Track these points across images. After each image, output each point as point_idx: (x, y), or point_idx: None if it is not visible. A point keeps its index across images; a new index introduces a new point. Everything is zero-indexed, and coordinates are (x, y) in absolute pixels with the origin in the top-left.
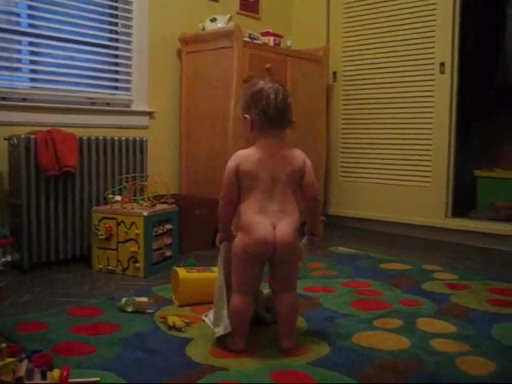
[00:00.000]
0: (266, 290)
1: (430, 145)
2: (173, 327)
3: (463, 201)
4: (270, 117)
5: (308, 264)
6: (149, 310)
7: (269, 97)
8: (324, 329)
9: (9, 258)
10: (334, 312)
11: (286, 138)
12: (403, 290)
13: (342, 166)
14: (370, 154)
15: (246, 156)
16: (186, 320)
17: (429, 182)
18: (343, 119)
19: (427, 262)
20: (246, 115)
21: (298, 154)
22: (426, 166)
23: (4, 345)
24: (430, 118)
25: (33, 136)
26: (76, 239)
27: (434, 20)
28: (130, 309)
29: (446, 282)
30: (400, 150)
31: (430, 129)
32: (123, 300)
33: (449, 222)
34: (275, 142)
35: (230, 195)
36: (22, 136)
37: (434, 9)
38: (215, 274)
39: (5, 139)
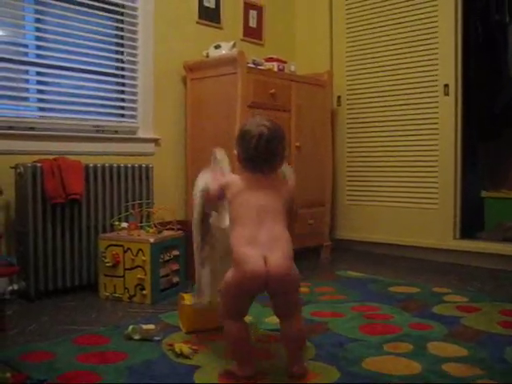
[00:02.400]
0: None
1: (437, 166)
2: (180, 354)
3: (471, 222)
4: (250, 157)
5: (316, 288)
6: (156, 338)
7: (251, 139)
8: (333, 354)
9: (15, 287)
10: (343, 337)
11: (275, 175)
12: (413, 314)
13: (348, 190)
14: (376, 177)
15: (233, 179)
16: (194, 347)
17: (436, 203)
18: (348, 143)
19: (436, 285)
20: (235, 150)
21: (286, 182)
22: (433, 187)
23: (9, 374)
24: (436, 139)
25: (39, 164)
26: (83, 267)
27: (437, 42)
28: (137, 336)
29: (457, 305)
30: (406, 172)
31: (436, 150)
32: (130, 327)
33: (457, 243)
34: (259, 177)
35: (212, 191)
36: (29, 164)
37: (437, 31)
38: None
39: (11, 168)
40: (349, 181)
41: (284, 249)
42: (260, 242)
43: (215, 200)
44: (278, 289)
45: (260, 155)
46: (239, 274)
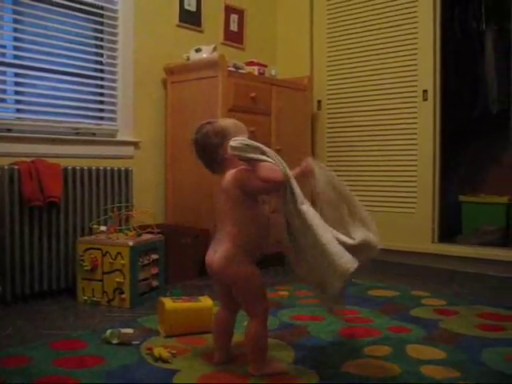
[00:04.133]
0: None
1: (415, 171)
2: (159, 359)
3: (449, 226)
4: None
5: (295, 292)
6: (134, 342)
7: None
8: (313, 357)
9: None
10: (323, 340)
11: (227, 167)
12: (392, 317)
13: None
14: (355, 180)
15: None
16: (173, 351)
17: (414, 207)
18: (328, 147)
19: (415, 288)
20: None
21: (228, 176)
22: (412, 191)
23: None
24: (415, 144)
25: (16, 167)
26: (60, 270)
27: (416, 48)
28: (115, 341)
29: (435, 308)
30: (385, 176)
31: (415, 155)
32: (108, 332)
33: (435, 247)
34: (217, 174)
35: None
36: (6, 167)
37: (416, 38)
38: (202, 303)
39: None
40: None
41: (222, 248)
42: (216, 240)
43: None
44: (218, 280)
45: (198, 151)
46: None
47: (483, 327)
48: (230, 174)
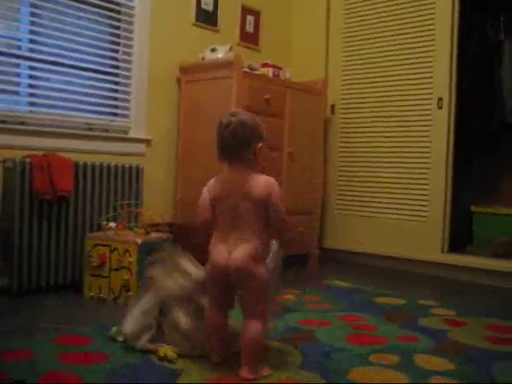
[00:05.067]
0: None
1: (427, 179)
2: (164, 358)
3: (460, 236)
4: (219, 145)
5: (303, 297)
6: None
7: (220, 129)
8: (319, 363)
9: None
10: (330, 346)
11: (249, 167)
12: (399, 325)
13: (338, 199)
14: (366, 187)
15: (213, 183)
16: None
17: (425, 216)
18: (340, 152)
19: (423, 297)
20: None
21: (262, 182)
22: (423, 200)
23: None
24: (428, 152)
25: (28, 159)
26: (68, 265)
27: (433, 56)
28: (120, 338)
29: (443, 318)
30: (397, 184)
31: (428, 163)
32: (114, 329)
33: (445, 257)
34: (233, 170)
35: (203, 215)
36: (17, 159)
37: (433, 45)
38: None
39: None
40: (339, 190)
41: (246, 248)
42: (230, 240)
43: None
44: (236, 281)
45: (228, 145)
46: (209, 265)
47: (492, 340)
48: (265, 179)
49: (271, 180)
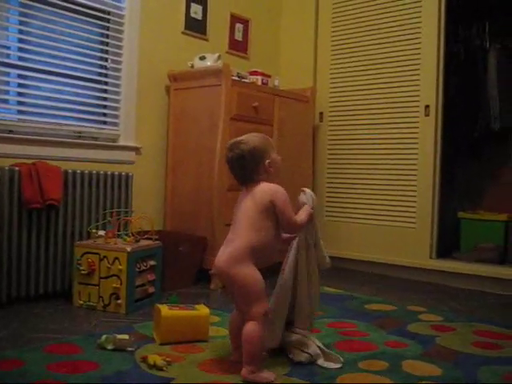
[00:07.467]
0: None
1: (415, 186)
2: (154, 366)
3: (448, 242)
4: (234, 177)
5: None
6: (129, 348)
7: (227, 164)
8: (308, 369)
9: None
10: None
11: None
12: (388, 332)
13: (327, 206)
14: (355, 194)
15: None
16: (168, 359)
17: (414, 223)
18: (329, 159)
19: (412, 303)
20: None
21: (265, 187)
22: (411, 207)
23: None
24: (415, 159)
25: (17, 168)
26: (57, 274)
27: (419, 64)
28: (110, 346)
29: (432, 324)
30: (385, 190)
31: (415, 170)
32: (103, 337)
33: (433, 263)
34: (245, 190)
35: None
36: (6, 168)
37: (419, 53)
38: (198, 312)
39: None
40: (328, 197)
41: (231, 249)
42: (227, 243)
43: None
44: (222, 281)
45: (236, 174)
46: None
47: (480, 345)
48: (268, 185)
49: (274, 186)
